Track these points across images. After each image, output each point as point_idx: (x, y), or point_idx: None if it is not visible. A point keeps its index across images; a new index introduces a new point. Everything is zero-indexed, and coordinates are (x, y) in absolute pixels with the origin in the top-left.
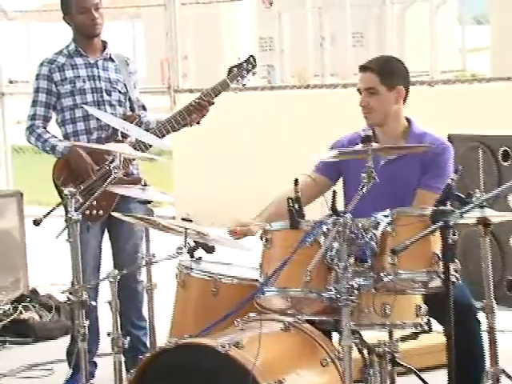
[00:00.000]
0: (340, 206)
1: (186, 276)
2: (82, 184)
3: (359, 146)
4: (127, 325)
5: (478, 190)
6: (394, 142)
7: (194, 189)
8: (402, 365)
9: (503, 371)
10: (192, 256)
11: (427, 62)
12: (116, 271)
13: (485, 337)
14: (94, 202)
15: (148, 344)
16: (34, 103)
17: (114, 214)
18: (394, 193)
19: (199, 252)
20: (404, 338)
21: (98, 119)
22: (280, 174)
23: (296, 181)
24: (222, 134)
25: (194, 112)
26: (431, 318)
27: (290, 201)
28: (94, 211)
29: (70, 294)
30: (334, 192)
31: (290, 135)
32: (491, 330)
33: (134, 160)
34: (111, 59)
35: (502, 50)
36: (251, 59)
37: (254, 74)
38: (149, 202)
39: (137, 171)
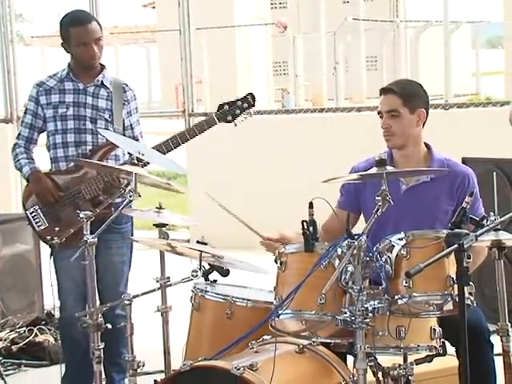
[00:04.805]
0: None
1: (200, 299)
2: (45, 207)
3: (374, 170)
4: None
5: (492, 213)
6: (416, 166)
7: (209, 212)
8: None
9: None
10: (207, 279)
11: (441, 86)
12: (131, 294)
13: (499, 360)
14: (57, 229)
15: (126, 382)
16: (21, 123)
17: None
18: (417, 218)
19: (214, 275)
20: (418, 361)
21: (76, 147)
22: (294, 197)
23: (310, 204)
24: (236, 158)
25: (179, 145)
26: (445, 341)
27: (305, 224)
28: (56, 238)
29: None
30: (349, 215)
31: (304, 159)
32: (506, 353)
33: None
34: (104, 85)
35: None
36: (249, 97)
37: (250, 114)
38: (164, 226)
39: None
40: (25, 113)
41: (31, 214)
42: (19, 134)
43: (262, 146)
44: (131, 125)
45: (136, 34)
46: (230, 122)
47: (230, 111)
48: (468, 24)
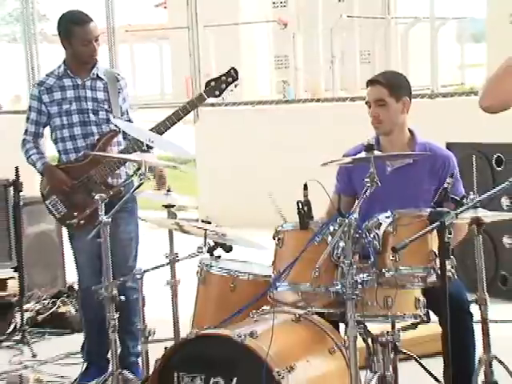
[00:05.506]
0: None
1: (206, 273)
2: (62, 196)
3: (363, 154)
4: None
5: (471, 193)
6: (401, 150)
7: (216, 194)
8: (403, 352)
9: (495, 357)
10: (212, 255)
11: (428, 77)
12: (142, 269)
13: (478, 327)
14: (75, 213)
15: (139, 348)
16: (27, 120)
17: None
18: (403, 197)
19: (218, 251)
20: (405, 328)
21: (84, 139)
22: (294, 180)
23: (305, 186)
24: (241, 144)
25: (175, 123)
26: (429, 310)
27: (300, 204)
28: (75, 220)
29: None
30: (340, 196)
31: (304, 144)
32: (484, 321)
33: (115, 171)
34: (99, 78)
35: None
36: (232, 72)
37: (235, 86)
38: (172, 206)
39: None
40: (29, 110)
41: (50, 203)
42: (26, 130)
43: (265, 132)
44: (127, 110)
45: (149, 31)
46: (218, 96)
47: (217, 86)
48: (454, 20)
